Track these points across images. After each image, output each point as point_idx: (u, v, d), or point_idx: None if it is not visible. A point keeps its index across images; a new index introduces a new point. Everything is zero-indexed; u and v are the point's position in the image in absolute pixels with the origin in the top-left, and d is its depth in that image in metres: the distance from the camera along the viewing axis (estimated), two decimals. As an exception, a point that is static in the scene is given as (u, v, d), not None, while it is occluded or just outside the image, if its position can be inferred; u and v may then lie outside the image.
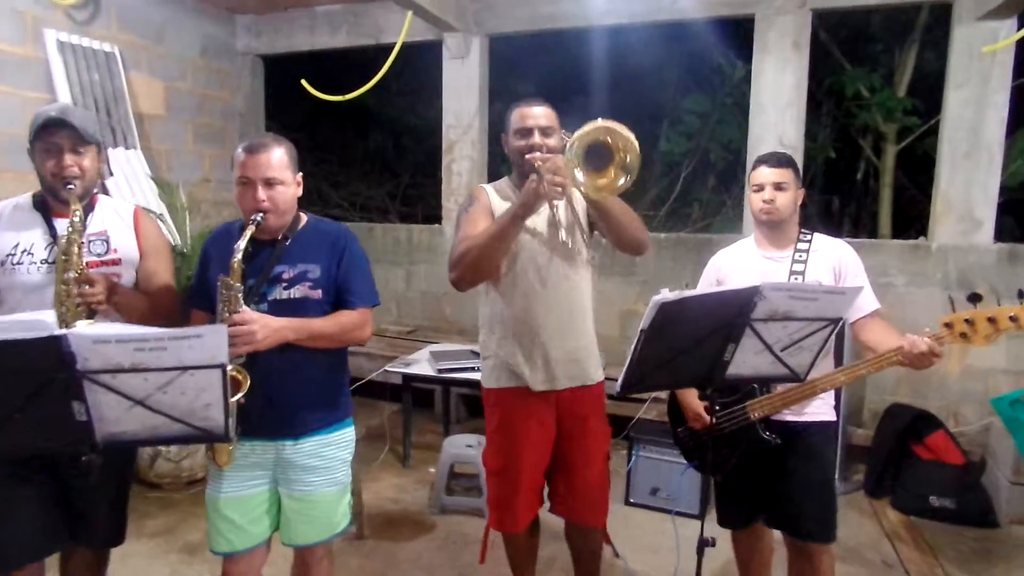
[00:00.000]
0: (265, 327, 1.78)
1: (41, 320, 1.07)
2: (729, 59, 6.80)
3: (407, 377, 4.11)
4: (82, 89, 4.37)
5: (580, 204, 2.23)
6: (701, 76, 7.24)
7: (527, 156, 2.07)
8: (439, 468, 3.66)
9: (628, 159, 1.82)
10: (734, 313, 1.54)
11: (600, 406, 2.34)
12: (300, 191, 1.97)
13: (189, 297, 2.04)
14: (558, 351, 2.21)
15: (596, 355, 2.32)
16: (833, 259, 2.18)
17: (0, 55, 4.01)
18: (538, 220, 2.17)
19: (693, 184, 7.51)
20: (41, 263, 1.93)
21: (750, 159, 4.40)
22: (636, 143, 1.81)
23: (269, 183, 1.85)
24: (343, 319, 1.93)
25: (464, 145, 5.24)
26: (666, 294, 1.42)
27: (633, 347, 1.51)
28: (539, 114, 2.14)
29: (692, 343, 1.56)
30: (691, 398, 2.30)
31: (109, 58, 4.61)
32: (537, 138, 2.10)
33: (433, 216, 6.47)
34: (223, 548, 1.95)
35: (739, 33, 5.58)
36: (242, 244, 1.79)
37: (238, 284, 1.78)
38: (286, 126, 7.56)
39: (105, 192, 4.45)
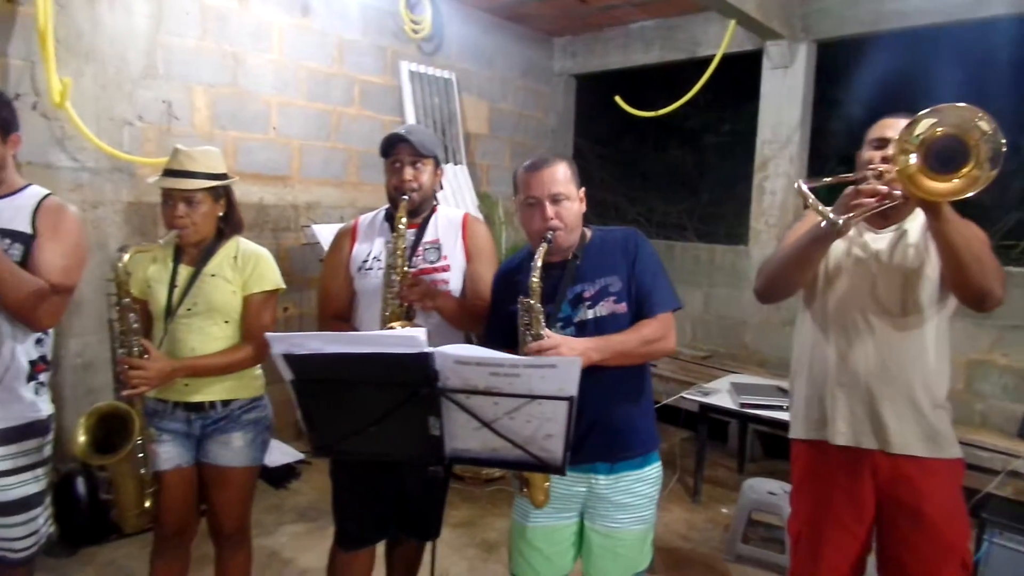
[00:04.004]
0: (572, 349, 1.67)
1: (415, 336, 1.12)
2: None
3: (704, 407, 3.88)
4: (424, 112, 4.93)
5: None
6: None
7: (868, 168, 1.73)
8: (736, 512, 3.36)
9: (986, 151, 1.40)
10: None
11: (946, 492, 1.82)
12: (584, 207, 1.86)
13: (487, 336, 1.97)
14: (867, 403, 1.81)
15: (936, 422, 1.81)
16: None
17: (366, 85, 4.69)
18: (875, 243, 1.84)
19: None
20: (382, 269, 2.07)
21: None
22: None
23: (555, 199, 1.77)
24: (644, 330, 1.77)
25: (781, 161, 4.82)
26: None
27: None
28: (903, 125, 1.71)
29: None
30: None
31: (447, 84, 5.14)
32: (892, 151, 1.68)
33: (735, 236, 6.10)
34: (528, 575, 1.92)
35: None
36: (539, 262, 1.69)
37: (539, 305, 1.68)
38: (592, 141, 7.78)
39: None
